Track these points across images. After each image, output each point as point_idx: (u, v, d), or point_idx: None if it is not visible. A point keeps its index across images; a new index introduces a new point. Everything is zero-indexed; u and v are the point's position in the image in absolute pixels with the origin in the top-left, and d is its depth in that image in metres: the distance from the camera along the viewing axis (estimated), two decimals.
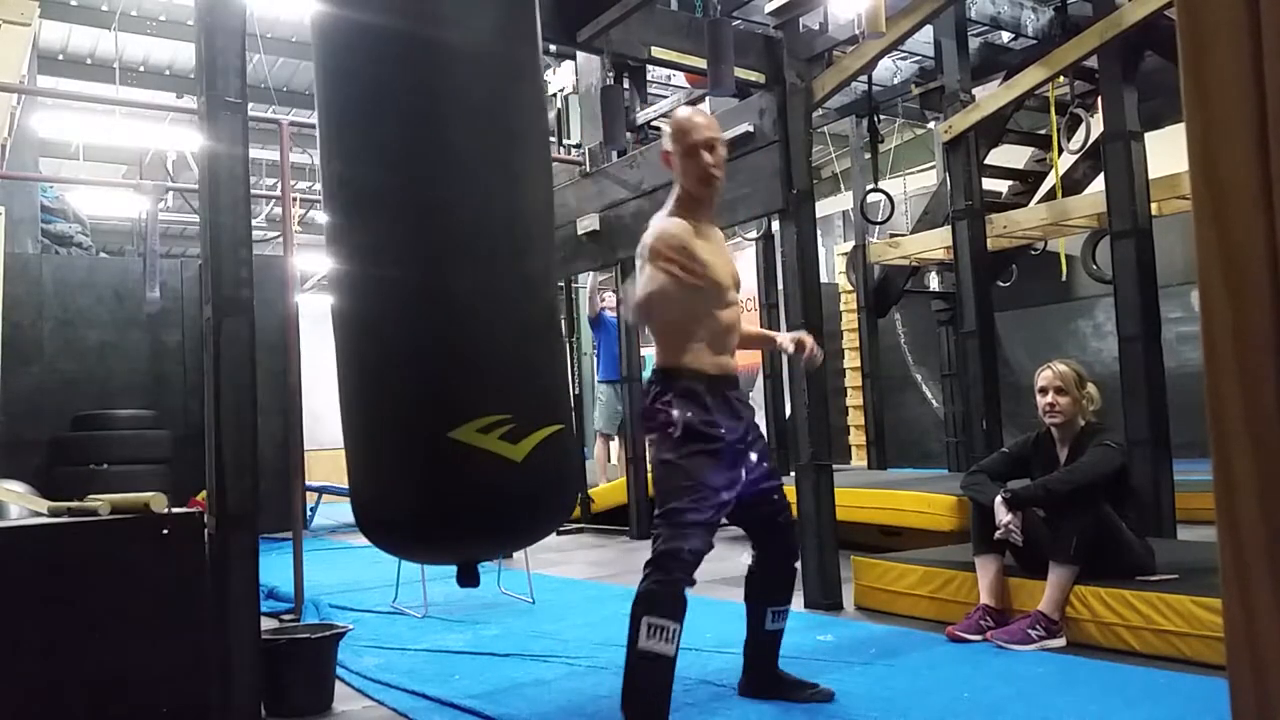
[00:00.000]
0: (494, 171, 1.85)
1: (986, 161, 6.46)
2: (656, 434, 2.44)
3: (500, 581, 5.02)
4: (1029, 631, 3.28)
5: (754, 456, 2.62)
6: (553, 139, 8.27)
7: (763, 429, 2.81)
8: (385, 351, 1.84)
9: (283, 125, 5.12)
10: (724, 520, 2.56)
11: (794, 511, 4.31)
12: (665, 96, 7.54)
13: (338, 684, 3.14)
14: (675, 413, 2.44)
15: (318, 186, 11.18)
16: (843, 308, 10.14)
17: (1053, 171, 6.49)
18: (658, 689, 2.35)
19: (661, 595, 2.32)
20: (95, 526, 2.52)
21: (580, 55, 6.71)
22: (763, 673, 2.83)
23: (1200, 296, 0.77)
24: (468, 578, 2.05)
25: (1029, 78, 5.45)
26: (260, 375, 2.91)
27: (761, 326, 8.67)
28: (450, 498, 1.80)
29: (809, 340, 2.85)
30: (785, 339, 2.93)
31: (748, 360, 14.28)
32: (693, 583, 2.39)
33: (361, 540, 8.58)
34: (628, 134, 6.31)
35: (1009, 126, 6.67)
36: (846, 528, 4.63)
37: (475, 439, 1.74)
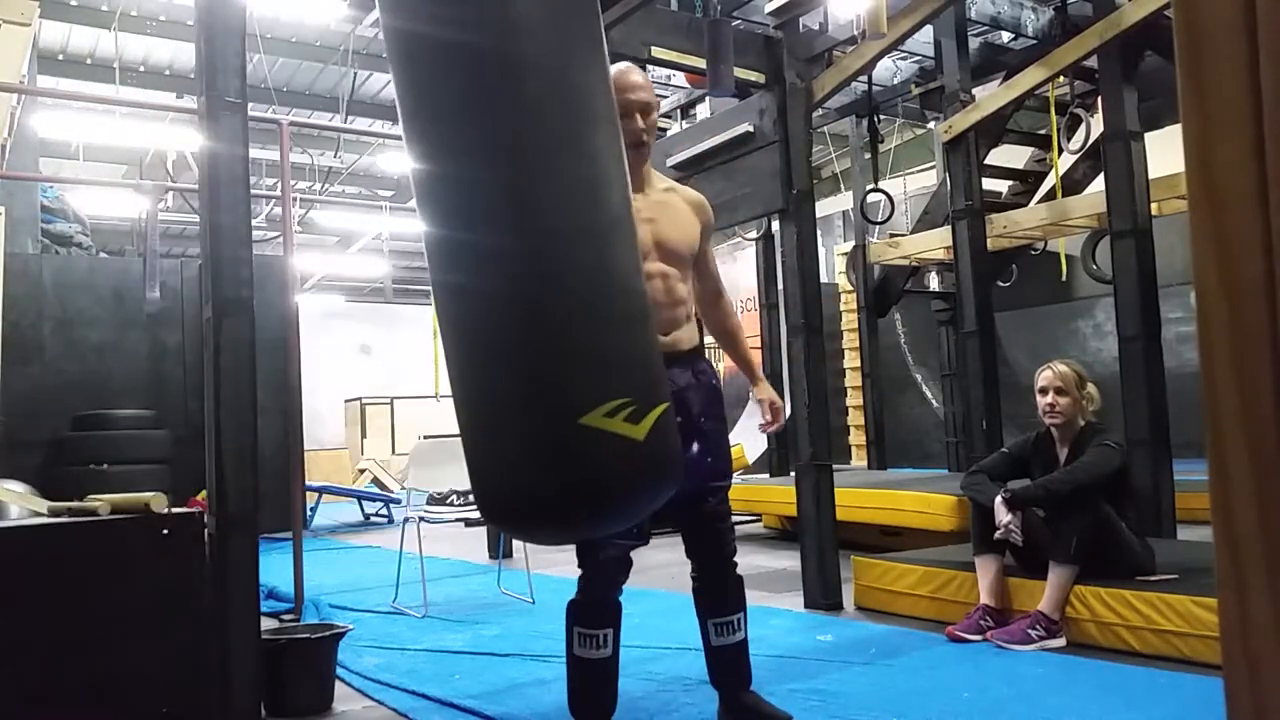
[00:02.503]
0: (577, 174, 1.93)
1: (986, 161, 6.46)
2: None
3: (500, 581, 5.02)
4: (1029, 631, 3.28)
5: (694, 446, 2.39)
6: None
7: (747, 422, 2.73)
8: (509, 347, 1.91)
9: (283, 125, 5.12)
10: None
11: (794, 511, 4.34)
12: (665, 96, 7.54)
13: (338, 684, 3.14)
14: None
15: (317, 186, 11.13)
16: (843, 308, 10.15)
17: (1053, 171, 6.49)
18: (594, 688, 2.48)
19: (586, 604, 2.47)
20: (95, 526, 2.52)
21: None
22: (730, 698, 2.56)
23: (1196, 296, 0.77)
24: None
25: (1029, 78, 5.45)
26: (260, 375, 2.92)
27: (761, 327, 8.67)
28: (587, 480, 1.87)
29: (778, 409, 2.66)
30: (763, 394, 2.66)
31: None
32: (616, 586, 2.48)
33: (361, 540, 8.59)
34: None
35: (1009, 126, 6.68)
36: (846, 528, 4.63)
37: (604, 423, 1.82)
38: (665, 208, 2.52)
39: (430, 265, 2.02)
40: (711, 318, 2.75)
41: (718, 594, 2.54)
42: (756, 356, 2.65)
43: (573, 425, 1.81)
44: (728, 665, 2.55)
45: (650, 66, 6.80)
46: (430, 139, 1.96)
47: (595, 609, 2.46)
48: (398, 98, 2.01)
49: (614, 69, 2.46)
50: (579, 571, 2.50)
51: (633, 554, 2.50)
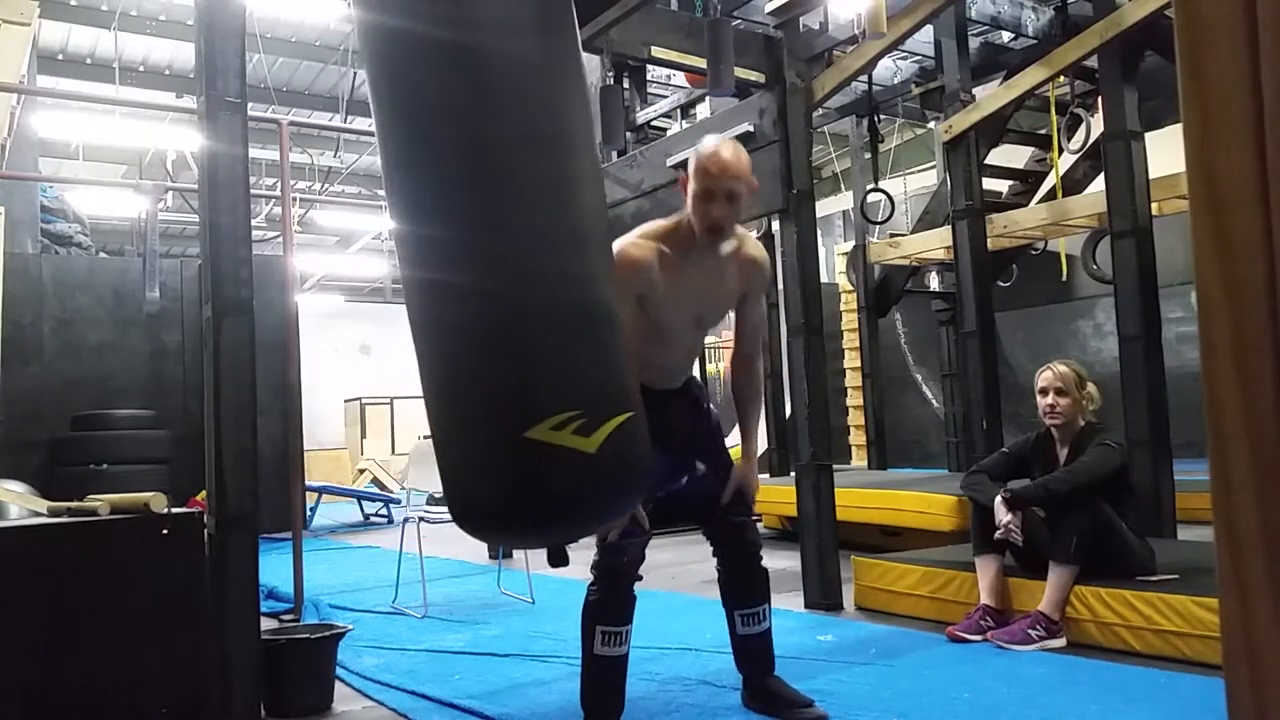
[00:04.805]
0: (545, 173, 1.90)
1: (986, 161, 6.46)
2: None
3: (500, 581, 5.02)
4: (1029, 631, 3.28)
5: (699, 465, 2.63)
6: None
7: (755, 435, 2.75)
8: (459, 357, 1.93)
9: (282, 125, 5.12)
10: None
11: (794, 511, 4.34)
12: (665, 96, 7.54)
13: (338, 684, 3.14)
14: None
15: (317, 186, 11.14)
16: (843, 308, 10.14)
17: (1053, 171, 6.48)
18: (614, 686, 2.55)
19: (607, 603, 2.51)
20: (95, 526, 2.52)
21: None
22: (754, 684, 2.75)
23: (1198, 296, 0.77)
24: (557, 559, 2.21)
25: (1029, 78, 5.45)
26: (260, 375, 2.92)
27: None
28: (531, 493, 1.89)
29: (743, 493, 2.66)
30: (739, 473, 2.67)
31: None
32: (638, 578, 2.54)
33: (361, 540, 8.56)
34: (627, 134, 6.32)
35: (1009, 126, 6.67)
36: (846, 528, 4.63)
37: (550, 436, 1.82)
38: (719, 278, 2.54)
39: (399, 264, 2.03)
40: (736, 379, 2.80)
41: (743, 586, 2.70)
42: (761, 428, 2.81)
43: (518, 439, 1.81)
44: (753, 653, 2.73)
45: (650, 66, 6.82)
46: (397, 134, 1.94)
47: (617, 605, 2.51)
48: (369, 94, 1.99)
49: (704, 148, 2.41)
50: (594, 572, 2.53)
51: None
